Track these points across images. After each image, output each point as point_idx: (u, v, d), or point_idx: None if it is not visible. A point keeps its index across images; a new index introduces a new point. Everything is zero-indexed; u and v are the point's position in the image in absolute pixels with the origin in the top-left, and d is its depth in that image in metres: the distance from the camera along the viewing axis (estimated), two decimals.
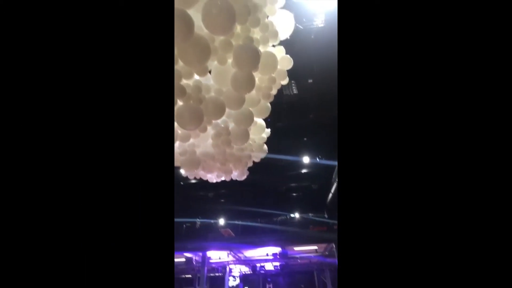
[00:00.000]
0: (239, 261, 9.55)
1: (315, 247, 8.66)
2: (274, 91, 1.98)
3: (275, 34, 1.69)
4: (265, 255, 8.71)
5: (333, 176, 7.74)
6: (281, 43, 1.86)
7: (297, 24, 1.95)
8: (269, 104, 2.07)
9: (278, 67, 1.85)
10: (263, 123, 2.26)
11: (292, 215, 9.80)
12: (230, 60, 1.60)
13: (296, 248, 8.64)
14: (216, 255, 8.95)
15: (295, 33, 1.94)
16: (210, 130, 1.97)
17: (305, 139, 7.29)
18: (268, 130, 2.36)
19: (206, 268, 8.41)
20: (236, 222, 9.43)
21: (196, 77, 1.65)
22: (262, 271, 9.84)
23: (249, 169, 2.51)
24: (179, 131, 1.85)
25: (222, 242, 8.59)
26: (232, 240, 8.70)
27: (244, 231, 9.16)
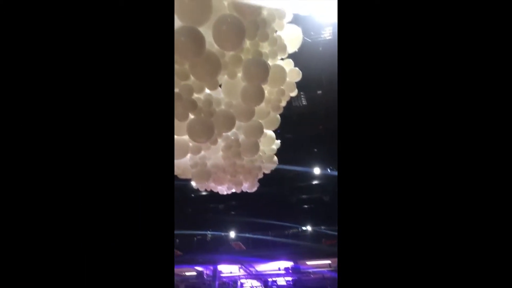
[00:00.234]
0: (251, 276, 9.34)
1: (328, 262, 8.39)
2: (283, 103, 2.00)
3: (284, 48, 1.73)
4: (277, 269, 8.49)
5: None
6: (290, 56, 1.90)
7: (305, 37, 1.99)
8: (278, 116, 2.09)
9: (287, 79, 1.88)
10: (273, 134, 2.27)
11: (304, 228, 9.58)
12: (240, 74, 1.64)
13: (309, 263, 8.39)
14: (227, 269, 8.80)
15: (303, 46, 1.97)
16: (221, 143, 2.00)
17: (315, 150, 7.22)
18: (278, 141, 2.37)
19: (217, 282, 8.26)
20: (247, 235, 9.30)
21: (207, 91, 1.69)
22: (275, 286, 9.57)
23: (260, 180, 2.51)
24: (190, 144, 1.88)
25: (233, 255, 8.46)
26: (243, 253, 8.56)
27: (255, 244, 9.01)
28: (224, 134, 1.92)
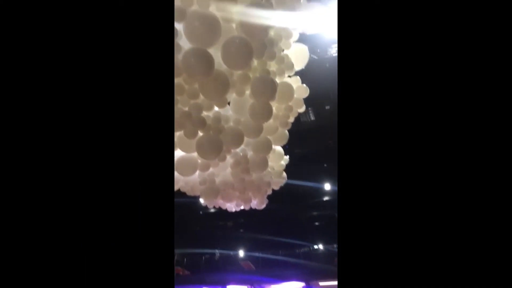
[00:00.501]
0: None
1: None
2: (291, 119, 2.01)
3: (291, 66, 1.76)
4: None
5: None
6: (297, 73, 1.93)
7: (311, 55, 2.03)
8: (286, 132, 2.09)
9: (295, 96, 1.90)
10: (282, 150, 2.26)
11: (315, 247, 9.25)
12: (248, 92, 1.67)
13: (322, 283, 8.02)
14: None
15: (310, 63, 2.01)
16: (229, 159, 2.00)
17: (325, 165, 7.12)
18: (287, 157, 2.35)
19: None
20: (257, 254, 9.05)
21: (216, 108, 1.73)
22: None
23: (269, 197, 2.47)
24: (199, 161, 1.89)
25: (243, 275, 8.20)
26: (253, 273, 8.28)
27: (265, 264, 8.73)
28: (232, 150, 1.93)
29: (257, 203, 2.45)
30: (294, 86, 1.90)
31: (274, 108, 1.80)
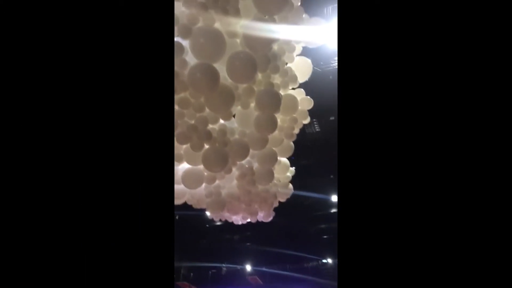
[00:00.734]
0: None
1: None
2: (296, 131, 2.02)
3: (295, 78, 1.79)
4: None
5: None
6: (301, 85, 1.95)
7: (315, 67, 2.06)
8: (292, 143, 2.10)
9: (299, 107, 1.91)
10: (287, 162, 2.26)
11: (324, 261, 8.99)
12: (252, 104, 1.70)
13: None
14: None
15: (314, 75, 2.04)
16: (235, 171, 2.01)
17: (331, 176, 7.04)
18: (293, 168, 2.34)
19: None
20: (264, 269, 8.83)
21: (221, 121, 1.75)
22: None
23: (275, 210, 2.45)
24: (205, 173, 1.90)
25: None
26: None
27: (273, 279, 8.49)
28: (238, 162, 1.94)
29: (264, 215, 2.42)
30: (299, 98, 1.92)
31: (279, 120, 1.81)
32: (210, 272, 9.31)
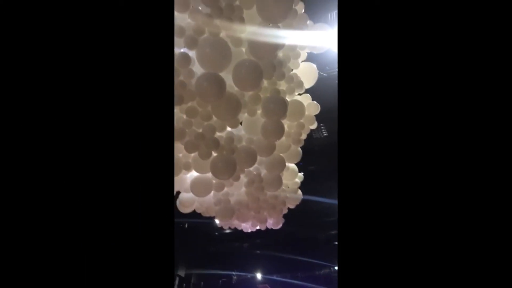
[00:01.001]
0: None
1: None
2: (303, 136, 2.01)
3: (300, 84, 1.79)
4: None
5: None
6: (307, 90, 1.96)
7: (320, 73, 2.06)
8: (299, 149, 2.08)
9: (306, 113, 1.91)
10: (296, 167, 2.25)
11: (336, 268, 8.78)
12: (259, 111, 1.71)
13: None
14: None
15: (320, 80, 2.04)
16: (243, 178, 2.01)
17: None
18: (301, 174, 2.33)
19: None
20: (275, 277, 8.68)
21: (229, 129, 1.76)
22: None
23: (285, 216, 2.42)
24: (214, 181, 1.91)
25: None
26: None
27: (284, 287, 8.34)
28: (246, 169, 1.93)
29: (273, 222, 2.40)
30: (305, 103, 1.92)
31: (286, 126, 1.81)
32: (220, 281, 9.22)
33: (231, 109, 1.57)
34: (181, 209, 2.19)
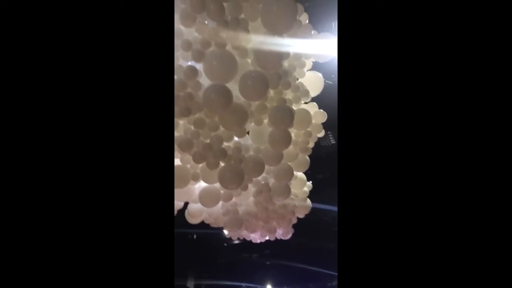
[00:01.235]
0: None
1: None
2: (311, 144, 2.00)
3: (306, 93, 1.80)
4: None
5: None
6: (314, 99, 1.96)
7: (326, 81, 2.07)
8: (307, 157, 2.07)
9: (313, 121, 1.91)
10: (304, 176, 2.23)
11: None
12: (266, 121, 1.72)
13: None
14: None
15: (326, 88, 2.04)
16: (251, 188, 2.00)
17: None
18: (310, 183, 2.30)
19: None
20: None
21: (236, 138, 1.77)
22: None
23: (294, 226, 2.38)
24: (222, 191, 1.90)
25: None
26: None
27: None
28: (254, 179, 1.93)
29: (283, 233, 2.37)
30: (312, 111, 1.92)
31: (293, 135, 1.81)
32: None
33: (238, 119, 1.59)
34: (190, 220, 2.19)
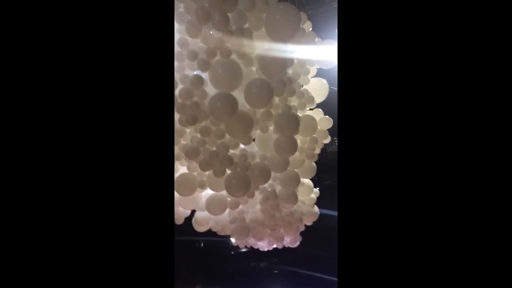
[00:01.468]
0: None
1: None
2: (317, 151, 1.99)
3: (311, 99, 1.81)
4: None
5: None
6: (319, 105, 1.96)
7: (331, 87, 2.08)
8: (314, 164, 2.06)
9: (318, 127, 1.90)
10: (311, 183, 2.21)
11: None
12: (271, 128, 1.72)
13: None
14: None
15: (332, 94, 2.04)
16: (258, 195, 1.99)
17: None
18: (317, 189, 2.28)
19: None
20: None
21: (242, 146, 1.78)
22: None
23: (302, 234, 2.35)
24: (228, 199, 1.90)
25: None
26: None
27: None
28: (260, 186, 1.92)
29: (290, 240, 2.34)
30: (317, 118, 1.92)
31: (299, 141, 1.81)
32: None
33: (244, 126, 1.60)
34: (197, 228, 2.19)
